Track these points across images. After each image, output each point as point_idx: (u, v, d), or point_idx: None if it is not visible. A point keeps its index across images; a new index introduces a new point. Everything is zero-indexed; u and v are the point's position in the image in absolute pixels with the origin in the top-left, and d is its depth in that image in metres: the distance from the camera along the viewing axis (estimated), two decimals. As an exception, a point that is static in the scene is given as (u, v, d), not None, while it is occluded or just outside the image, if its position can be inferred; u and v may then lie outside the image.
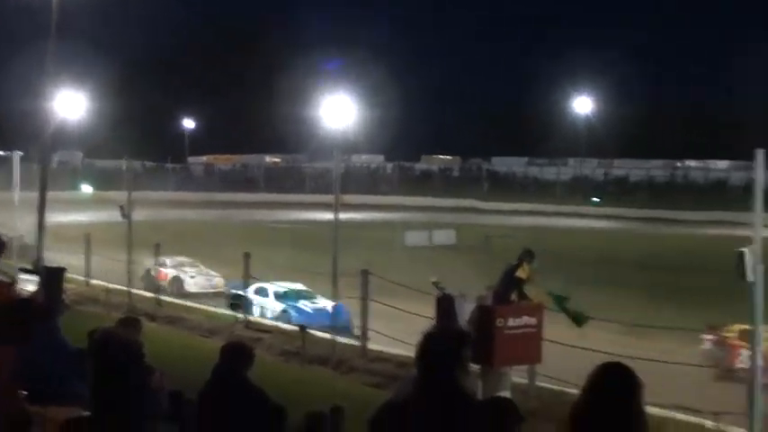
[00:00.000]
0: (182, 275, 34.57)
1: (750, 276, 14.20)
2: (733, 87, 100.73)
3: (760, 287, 14.27)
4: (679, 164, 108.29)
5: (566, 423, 4.76)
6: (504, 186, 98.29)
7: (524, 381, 17.39)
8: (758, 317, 14.40)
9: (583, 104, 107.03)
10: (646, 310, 27.13)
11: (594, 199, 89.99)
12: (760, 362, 14.71)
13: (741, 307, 15.47)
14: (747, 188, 14.97)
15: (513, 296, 16.84)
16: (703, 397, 17.93)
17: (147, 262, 31.81)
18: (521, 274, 17.94)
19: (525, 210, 79.91)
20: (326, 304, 24.26)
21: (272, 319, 26.69)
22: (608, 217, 77.38)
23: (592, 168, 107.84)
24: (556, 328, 17.51)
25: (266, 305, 28.06)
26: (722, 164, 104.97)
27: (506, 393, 13.32)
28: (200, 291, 33.56)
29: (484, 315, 15.37)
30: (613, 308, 25.16)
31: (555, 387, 16.68)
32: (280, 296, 28.29)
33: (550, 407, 15.04)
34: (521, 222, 64.43)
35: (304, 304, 27.65)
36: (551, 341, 16.57)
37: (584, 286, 28.42)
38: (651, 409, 15.26)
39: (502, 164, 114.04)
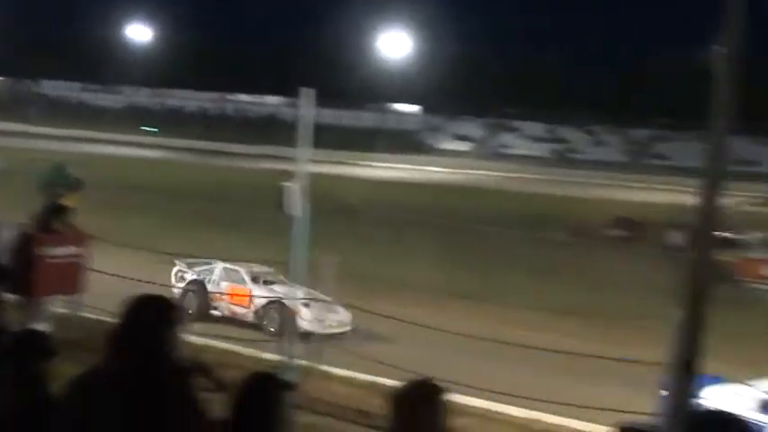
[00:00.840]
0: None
1: (292, 210, 14.71)
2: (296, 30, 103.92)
3: (304, 221, 14.82)
4: (231, 97, 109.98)
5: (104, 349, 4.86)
6: (57, 111, 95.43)
7: (68, 311, 17.03)
8: (300, 249, 14.97)
9: (139, 32, 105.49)
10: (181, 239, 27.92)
11: (148, 128, 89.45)
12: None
13: (280, 239, 16.10)
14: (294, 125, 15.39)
15: (57, 224, 16.30)
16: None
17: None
18: (66, 201, 17.42)
19: (76, 136, 78.11)
20: None
21: None
22: (161, 147, 77.46)
23: (146, 97, 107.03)
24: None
25: None
26: (273, 99, 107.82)
27: (44, 325, 12.89)
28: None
29: (24, 243, 14.74)
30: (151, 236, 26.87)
31: (99, 317, 16.46)
32: None
33: (93, 337, 14.80)
34: (71, 149, 62.67)
35: None
36: (99, 271, 16.29)
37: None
38: (192, 338, 15.67)
39: (53, 88, 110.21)
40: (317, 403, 14.11)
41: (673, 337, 4.04)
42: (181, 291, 21.38)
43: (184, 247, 23.85)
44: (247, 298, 21.18)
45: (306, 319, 19.41)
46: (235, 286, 21.50)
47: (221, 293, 21.53)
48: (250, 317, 20.96)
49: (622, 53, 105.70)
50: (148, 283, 16.43)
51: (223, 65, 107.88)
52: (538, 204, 50.80)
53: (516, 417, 14.76)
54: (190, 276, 22.06)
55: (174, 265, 22.38)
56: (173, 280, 22.02)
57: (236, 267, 22.07)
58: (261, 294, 21.08)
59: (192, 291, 21.54)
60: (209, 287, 21.64)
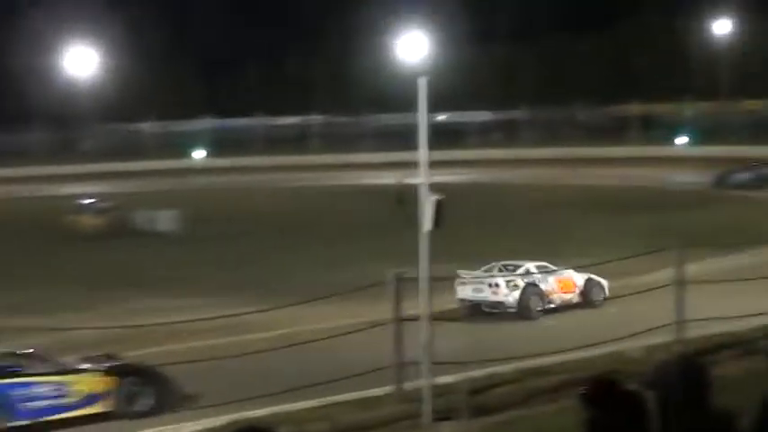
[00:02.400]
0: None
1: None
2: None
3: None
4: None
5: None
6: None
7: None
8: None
9: None
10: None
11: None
12: None
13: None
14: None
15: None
16: None
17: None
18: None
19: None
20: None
21: None
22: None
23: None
24: None
25: None
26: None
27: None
28: None
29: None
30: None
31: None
32: None
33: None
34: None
35: None
36: None
37: None
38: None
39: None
40: None
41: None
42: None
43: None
44: (573, 285, 26.83)
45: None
46: (560, 278, 26.79)
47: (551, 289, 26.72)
48: (576, 299, 26.71)
49: None
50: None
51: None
52: None
53: None
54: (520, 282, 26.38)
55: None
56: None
57: (546, 264, 27.32)
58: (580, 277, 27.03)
59: (533, 293, 26.17)
60: (543, 286, 26.39)
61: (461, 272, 26.52)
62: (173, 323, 23.26)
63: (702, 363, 5.54)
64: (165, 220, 49.36)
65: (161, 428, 16.85)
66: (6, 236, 47.34)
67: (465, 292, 26.40)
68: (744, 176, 58.74)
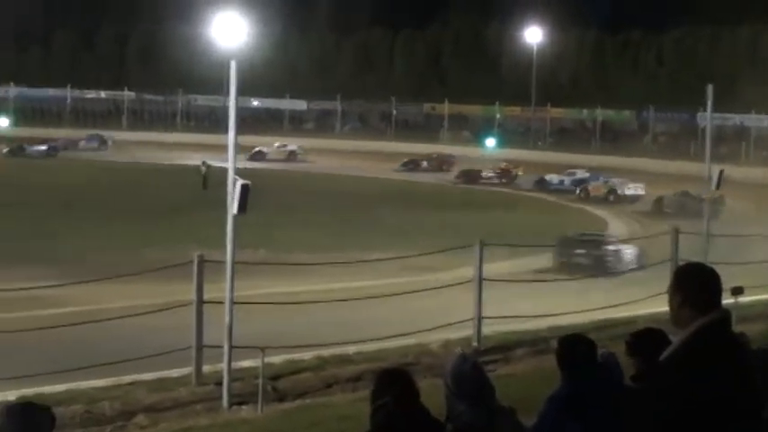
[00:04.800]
0: None
1: None
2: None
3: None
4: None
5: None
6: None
7: None
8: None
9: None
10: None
11: None
12: None
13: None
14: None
15: None
16: None
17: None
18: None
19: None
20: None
21: None
22: None
23: None
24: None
25: None
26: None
27: None
28: None
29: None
30: None
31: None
32: None
33: None
34: None
35: None
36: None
37: None
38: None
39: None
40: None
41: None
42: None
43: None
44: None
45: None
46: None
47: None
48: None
49: None
50: None
51: None
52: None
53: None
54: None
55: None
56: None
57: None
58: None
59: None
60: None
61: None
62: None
63: (470, 357, 5.76)
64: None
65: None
66: None
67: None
68: (561, 180, 62.39)
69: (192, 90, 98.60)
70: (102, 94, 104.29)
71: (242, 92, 16.83)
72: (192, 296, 17.47)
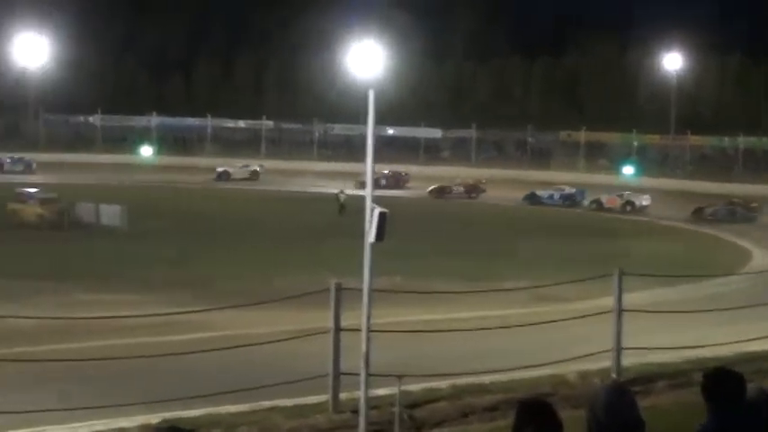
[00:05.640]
0: None
1: None
2: None
3: None
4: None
5: None
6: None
7: None
8: None
9: None
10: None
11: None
12: None
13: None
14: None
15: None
16: None
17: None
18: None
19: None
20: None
21: None
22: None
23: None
24: None
25: None
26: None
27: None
28: None
29: None
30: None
31: None
32: None
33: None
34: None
35: None
36: None
37: None
38: None
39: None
40: None
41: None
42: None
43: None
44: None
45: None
46: None
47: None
48: None
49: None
50: None
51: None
52: None
53: None
54: None
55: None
56: None
57: None
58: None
59: None
60: None
61: None
62: (112, 317, 23.01)
63: (627, 389, 5.58)
64: (109, 214, 48.94)
65: (91, 422, 16.62)
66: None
67: None
68: (551, 195, 68.70)
69: (328, 118, 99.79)
70: (241, 123, 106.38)
71: (378, 120, 16.86)
72: (330, 323, 17.55)
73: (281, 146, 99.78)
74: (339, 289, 17.57)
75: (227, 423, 16.43)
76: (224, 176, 78.72)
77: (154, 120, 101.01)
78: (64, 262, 37.01)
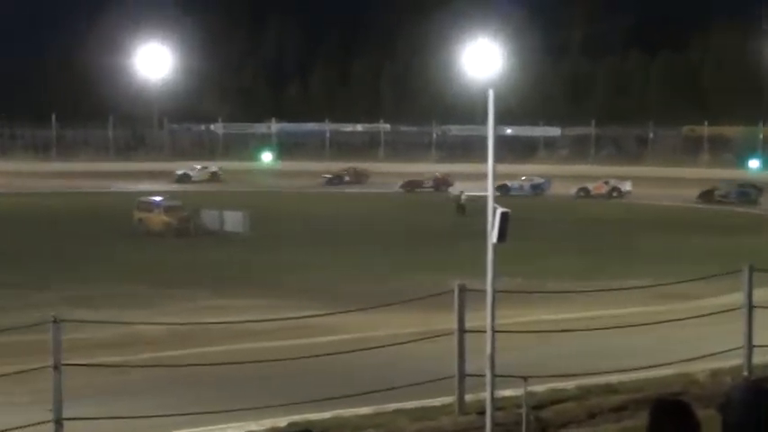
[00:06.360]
0: None
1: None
2: None
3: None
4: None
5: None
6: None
7: None
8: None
9: None
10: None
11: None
12: None
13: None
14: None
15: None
16: None
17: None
18: None
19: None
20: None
21: None
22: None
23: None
24: None
25: None
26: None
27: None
28: None
29: None
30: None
31: None
32: None
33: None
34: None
35: None
36: None
37: None
38: None
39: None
40: None
41: None
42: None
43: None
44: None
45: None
46: None
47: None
48: None
49: None
50: None
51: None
52: None
53: None
54: None
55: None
56: None
57: None
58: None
59: None
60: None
61: None
62: (239, 322, 23.44)
63: (764, 387, 5.43)
64: (233, 220, 49.72)
65: (223, 426, 16.93)
66: (77, 230, 47.95)
67: None
68: (521, 186, 70.88)
69: (444, 120, 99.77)
70: (359, 126, 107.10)
71: (497, 120, 16.78)
72: (453, 325, 17.55)
73: (397, 148, 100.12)
74: (463, 290, 17.58)
75: (353, 425, 16.54)
76: (184, 179, 78.90)
77: (273, 126, 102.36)
78: (190, 269, 37.76)
